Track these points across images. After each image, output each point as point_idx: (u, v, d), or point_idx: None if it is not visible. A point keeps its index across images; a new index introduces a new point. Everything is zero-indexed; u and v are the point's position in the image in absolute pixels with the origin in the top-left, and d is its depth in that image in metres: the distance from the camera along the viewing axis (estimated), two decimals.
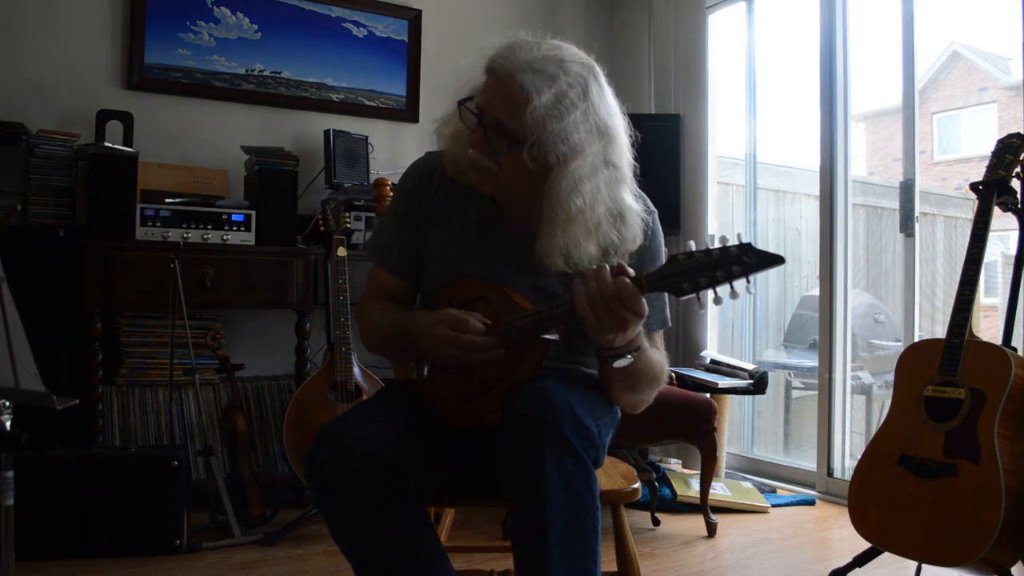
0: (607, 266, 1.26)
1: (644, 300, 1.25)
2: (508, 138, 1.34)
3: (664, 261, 1.44)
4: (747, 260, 1.15)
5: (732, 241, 1.18)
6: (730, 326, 4.12)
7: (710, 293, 1.20)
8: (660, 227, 1.52)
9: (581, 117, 1.34)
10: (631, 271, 1.26)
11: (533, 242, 1.40)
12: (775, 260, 1.15)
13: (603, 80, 1.41)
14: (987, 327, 5.46)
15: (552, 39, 1.40)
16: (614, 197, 1.39)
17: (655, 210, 1.51)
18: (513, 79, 1.32)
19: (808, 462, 3.51)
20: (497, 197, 1.47)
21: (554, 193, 1.34)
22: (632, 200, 1.42)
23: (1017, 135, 2.10)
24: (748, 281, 1.17)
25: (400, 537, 1.32)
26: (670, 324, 1.53)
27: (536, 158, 1.33)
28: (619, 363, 1.35)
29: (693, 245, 1.22)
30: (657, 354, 1.45)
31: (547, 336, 1.35)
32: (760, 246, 1.18)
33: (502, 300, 1.41)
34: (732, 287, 1.17)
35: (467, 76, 1.42)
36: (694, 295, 1.20)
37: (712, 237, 1.21)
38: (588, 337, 1.53)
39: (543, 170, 1.35)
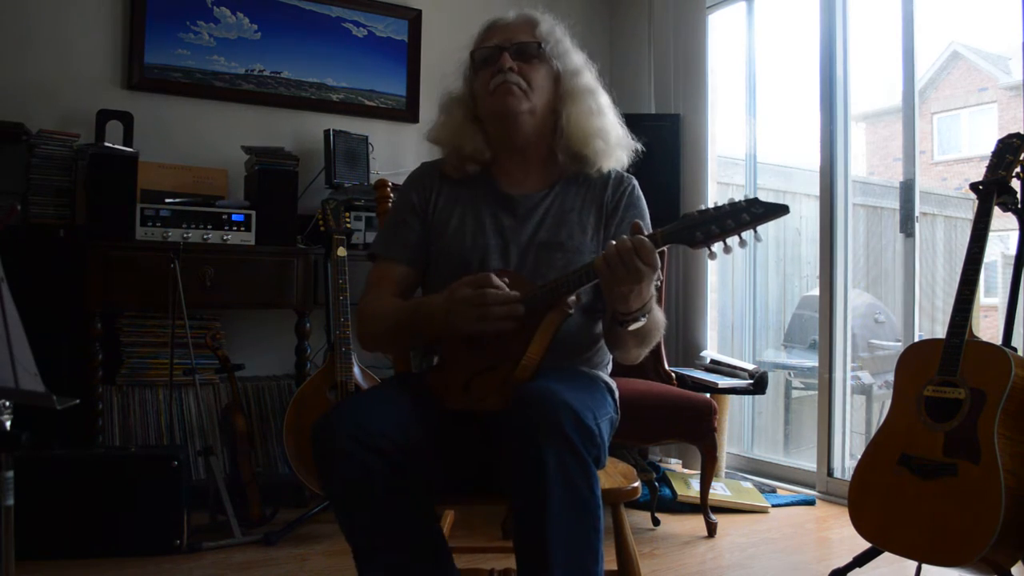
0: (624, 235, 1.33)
1: (657, 257, 1.31)
2: (533, 46, 1.55)
3: (649, 222, 1.61)
4: (755, 211, 1.24)
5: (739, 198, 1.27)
6: (730, 326, 4.12)
7: (720, 245, 1.28)
8: (641, 193, 1.66)
9: (572, 47, 1.62)
10: (645, 228, 1.33)
11: (533, 205, 1.58)
12: (780, 209, 1.24)
13: None
14: (987, 327, 5.47)
15: None
16: (610, 113, 1.62)
17: (634, 178, 1.67)
18: (519, 16, 1.59)
19: (808, 462, 3.51)
20: (513, 139, 1.58)
21: (569, 93, 1.57)
22: (619, 123, 1.64)
23: (1017, 135, 2.10)
24: (755, 232, 1.26)
25: (405, 518, 1.33)
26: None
27: (550, 63, 1.56)
28: (634, 326, 1.41)
29: (703, 205, 1.30)
30: (656, 307, 1.50)
31: (562, 307, 1.38)
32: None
33: (518, 285, 1.42)
34: (741, 237, 1.26)
35: (455, 67, 1.65)
36: (705, 247, 1.27)
37: (716, 202, 1.27)
38: (590, 337, 1.55)
39: (558, 80, 1.57)
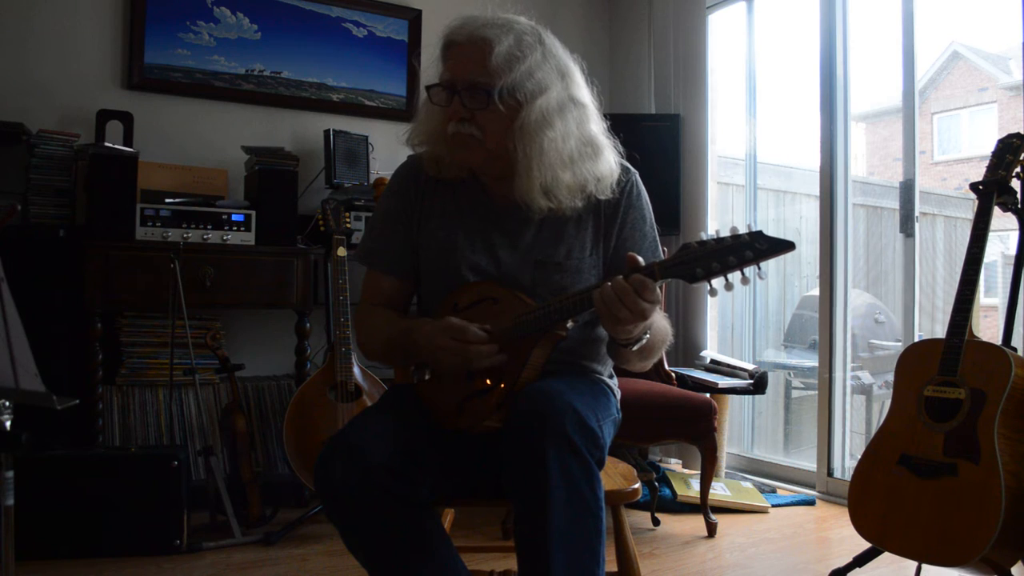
0: (619, 275, 1.27)
1: (658, 289, 1.26)
2: (483, 91, 1.39)
3: (652, 219, 1.56)
4: (759, 246, 1.16)
5: (742, 230, 1.19)
6: (730, 326, 4.12)
7: (721, 280, 1.20)
8: (643, 187, 1.57)
9: (541, 58, 1.42)
10: (642, 261, 1.27)
11: (525, 214, 1.46)
12: (786, 246, 1.15)
13: (551, 35, 1.49)
14: (987, 327, 5.47)
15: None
16: (584, 132, 1.46)
17: (635, 170, 1.57)
18: (473, 37, 1.40)
19: (808, 462, 3.51)
20: (485, 168, 1.49)
21: (526, 128, 1.40)
22: (603, 136, 1.49)
23: (1017, 135, 2.10)
24: (759, 267, 1.17)
25: (412, 545, 1.32)
26: (661, 256, 1.53)
27: (507, 101, 1.39)
28: (636, 347, 1.38)
29: (704, 235, 1.22)
30: (659, 317, 1.45)
31: (556, 332, 1.35)
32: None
33: (510, 300, 1.41)
34: (743, 273, 1.18)
35: (426, 80, 1.49)
36: (706, 282, 1.21)
37: (718, 232, 1.21)
38: (591, 338, 1.54)
39: (515, 114, 1.40)
